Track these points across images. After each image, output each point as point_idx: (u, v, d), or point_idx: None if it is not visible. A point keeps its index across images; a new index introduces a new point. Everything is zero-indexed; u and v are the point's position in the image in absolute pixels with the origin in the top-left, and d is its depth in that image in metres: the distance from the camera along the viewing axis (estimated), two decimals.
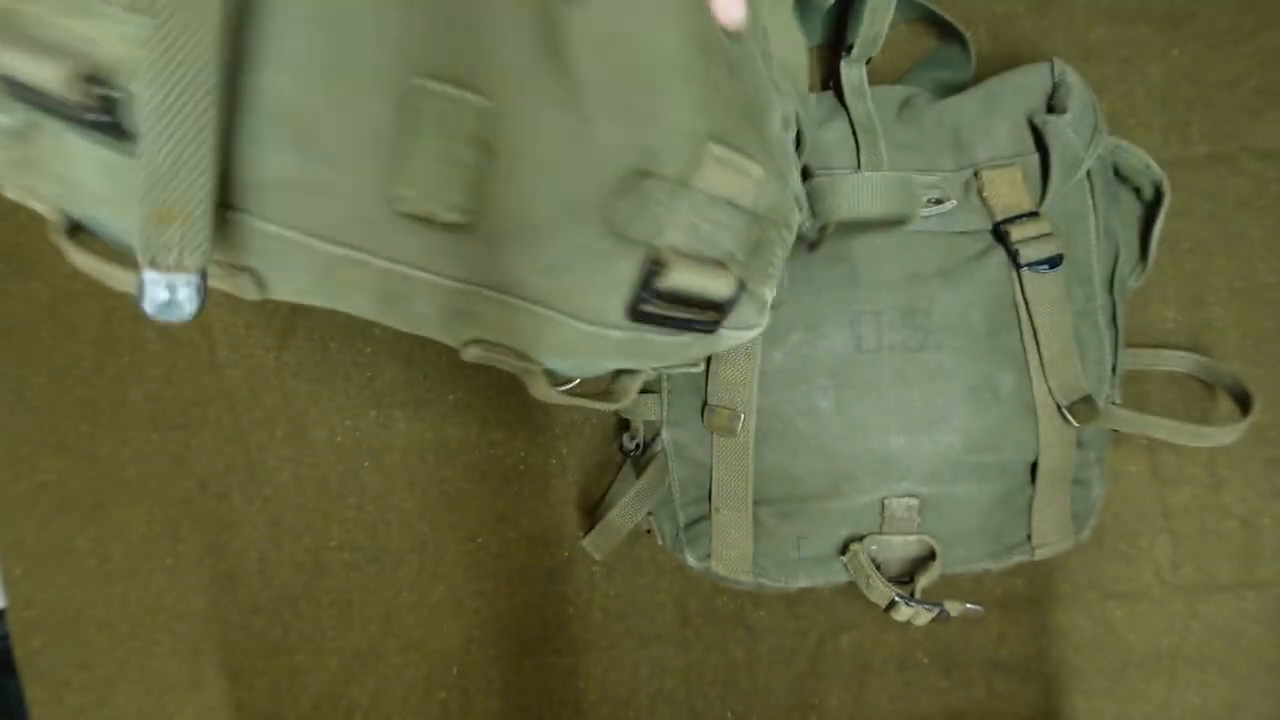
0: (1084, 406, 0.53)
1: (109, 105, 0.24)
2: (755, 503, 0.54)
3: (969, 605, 0.55)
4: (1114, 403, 0.56)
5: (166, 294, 0.25)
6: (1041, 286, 0.52)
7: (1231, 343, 0.63)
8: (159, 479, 0.64)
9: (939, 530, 0.54)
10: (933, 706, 0.64)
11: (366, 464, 0.65)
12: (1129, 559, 0.64)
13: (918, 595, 0.54)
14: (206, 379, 0.64)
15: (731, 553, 0.56)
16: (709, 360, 0.54)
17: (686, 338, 0.32)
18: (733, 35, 0.28)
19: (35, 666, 0.65)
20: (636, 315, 0.29)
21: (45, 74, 0.23)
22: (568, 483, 0.65)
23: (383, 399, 0.64)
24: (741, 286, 0.31)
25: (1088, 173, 0.54)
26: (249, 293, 0.27)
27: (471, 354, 0.30)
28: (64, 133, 0.25)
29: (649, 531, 0.62)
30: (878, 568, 0.54)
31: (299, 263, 0.25)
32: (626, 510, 0.58)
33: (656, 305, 0.28)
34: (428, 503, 0.65)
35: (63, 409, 0.64)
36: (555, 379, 0.32)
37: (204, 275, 0.25)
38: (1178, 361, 0.62)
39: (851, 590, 0.57)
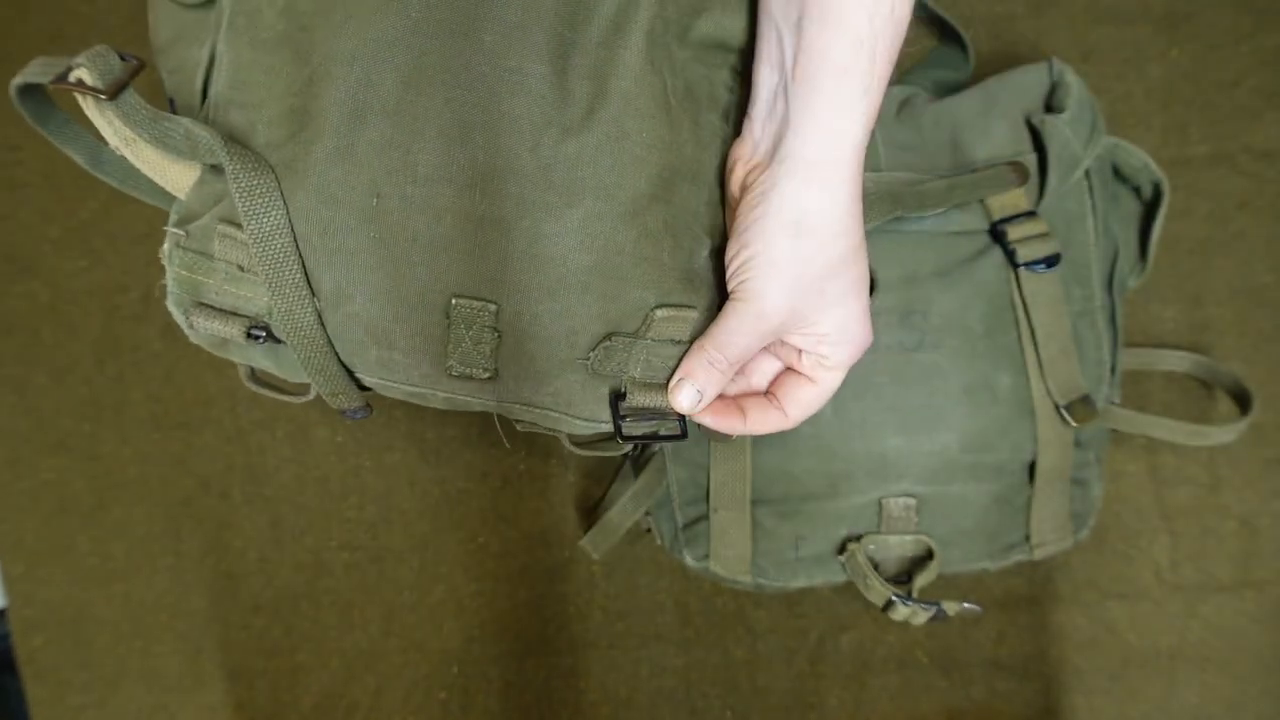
0: (1082, 406, 0.53)
1: (268, 331, 0.37)
2: (753, 503, 0.54)
3: (966, 604, 0.55)
4: (1113, 402, 0.56)
5: (351, 418, 0.42)
6: (1039, 286, 0.52)
7: (1231, 343, 0.63)
8: (159, 479, 0.65)
9: (937, 530, 0.54)
10: (933, 706, 0.64)
11: (366, 464, 0.65)
12: (1128, 559, 0.64)
13: (915, 595, 0.54)
14: (207, 379, 0.64)
15: (730, 553, 0.56)
16: None
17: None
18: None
19: (36, 665, 0.65)
20: (619, 416, 0.40)
21: (231, 330, 0.37)
22: (568, 483, 0.65)
23: (383, 399, 0.64)
24: None
25: (1086, 172, 0.54)
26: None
27: (520, 426, 0.43)
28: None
29: (648, 531, 0.62)
30: (875, 567, 0.54)
31: (394, 391, 0.39)
32: (624, 510, 0.59)
33: (629, 415, 0.40)
34: (428, 503, 0.65)
35: (64, 409, 0.64)
36: (575, 439, 0.47)
37: (367, 406, 0.42)
38: (1177, 361, 0.62)
39: (851, 590, 0.57)
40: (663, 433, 0.41)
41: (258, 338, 0.37)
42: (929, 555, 0.54)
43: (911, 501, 0.53)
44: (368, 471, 0.65)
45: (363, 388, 0.40)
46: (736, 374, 0.41)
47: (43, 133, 0.41)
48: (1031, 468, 0.54)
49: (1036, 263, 0.51)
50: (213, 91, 0.37)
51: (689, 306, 0.39)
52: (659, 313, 0.38)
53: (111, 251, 0.64)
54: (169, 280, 0.38)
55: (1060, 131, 0.51)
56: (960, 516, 0.54)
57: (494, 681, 0.65)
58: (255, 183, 0.34)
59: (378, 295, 0.35)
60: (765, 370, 0.42)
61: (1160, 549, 0.64)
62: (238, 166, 0.33)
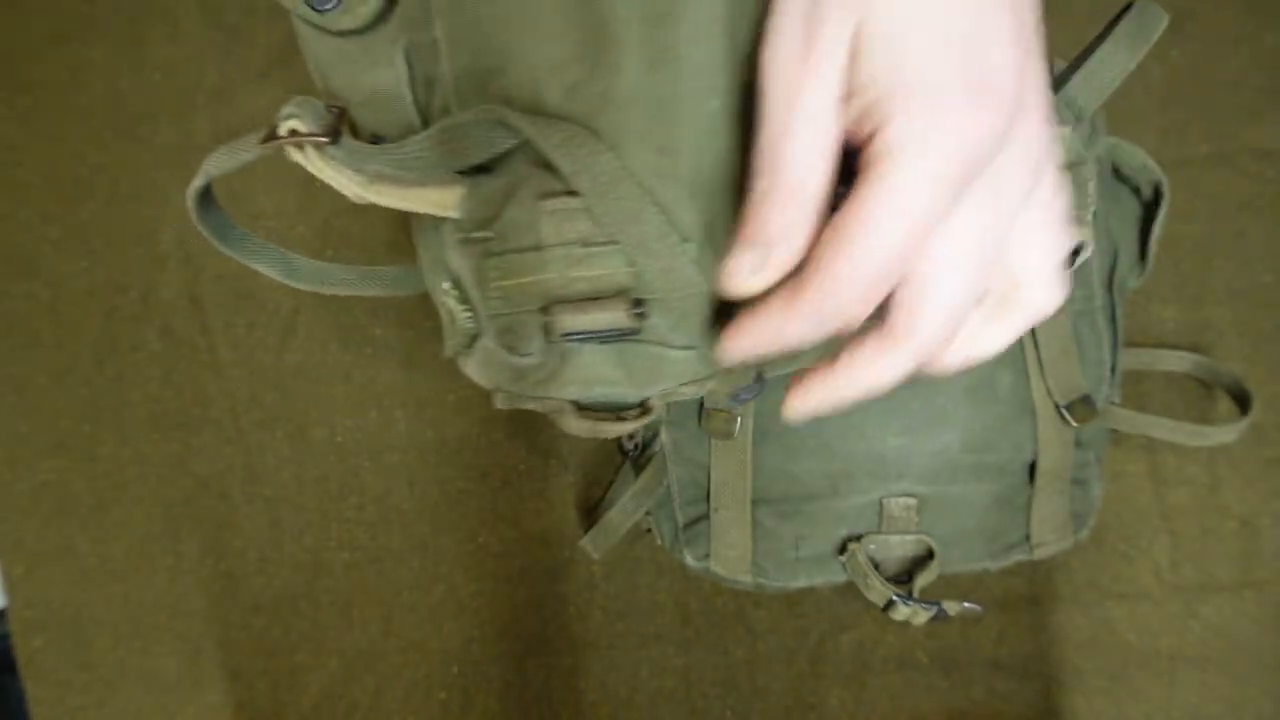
0: (1082, 406, 0.53)
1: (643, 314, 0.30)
2: (754, 503, 0.54)
3: (967, 604, 0.55)
4: (1113, 402, 0.56)
5: (743, 400, 0.35)
6: None
7: (1231, 343, 0.63)
8: (159, 479, 0.65)
9: (937, 530, 0.54)
10: (933, 706, 0.64)
11: (366, 464, 0.65)
12: (1128, 559, 0.64)
13: (915, 595, 0.54)
14: (207, 379, 0.64)
15: (730, 553, 0.56)
16: None
17: None
18: None
19: (36, 666, 0.65)
20: None
21: (613, 315, 0.29)
22: (568, 483, 0.65)
23: (383, 399, 0.64)
24: None
25: None
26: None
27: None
28: (582, 348, 0.31)
29: (648, 531, 0.62)
30: (876, 567, 0.54)
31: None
32: (624, 510, 0.59)
33: None
34: (428, 503, 0.65)
35: (63, 409, 0.64)
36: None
37: (759, 378, 0.34)
38: (1177, 361, 0.62)
39: (851, 590, 0.57)
40: None
41: (640, 315, 0.30)
42: (929, 555, 0.54)
43: (912, 501, 0.53)
44: (367, 472, 0.65)
45: None
46: None
47: (227, 251, 0.38)
48: (1032, 468, 0.54)
49: None
50: (452, 85, 0.31)
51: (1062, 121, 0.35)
52: None
53: (111, 251, 0.64)
54: (491, 299, 0.30)
55: (1060, 132, 0.51)
56: (961, 516, 0.54)
57: (494, 681, 0.65)
58: (568, 133, 0.28)
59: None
60: None
61: (1160, 549, 0.64)
62: (539, 126, 0.28)
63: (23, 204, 0.64)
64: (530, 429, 0.65)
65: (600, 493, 0.65)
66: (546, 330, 0.30)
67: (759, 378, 0.33)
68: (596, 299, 0.30)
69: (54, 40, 0.64)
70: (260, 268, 0.39)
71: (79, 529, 0.65)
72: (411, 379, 0.64)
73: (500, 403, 0.35)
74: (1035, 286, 0.27)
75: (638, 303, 0.30)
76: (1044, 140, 0.26)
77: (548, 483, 0.65)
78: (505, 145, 0.29)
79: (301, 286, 0.41)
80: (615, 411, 0.34)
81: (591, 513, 0.65)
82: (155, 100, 0.64)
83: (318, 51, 0.36)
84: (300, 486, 0.65)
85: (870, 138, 0.23)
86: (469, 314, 0.32)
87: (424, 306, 0.64)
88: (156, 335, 0.64)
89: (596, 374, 0.32)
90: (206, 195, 0.35)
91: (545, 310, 0.30)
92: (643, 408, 0.34)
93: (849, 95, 0.24)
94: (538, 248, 0.29)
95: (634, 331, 0.30)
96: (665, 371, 0.32)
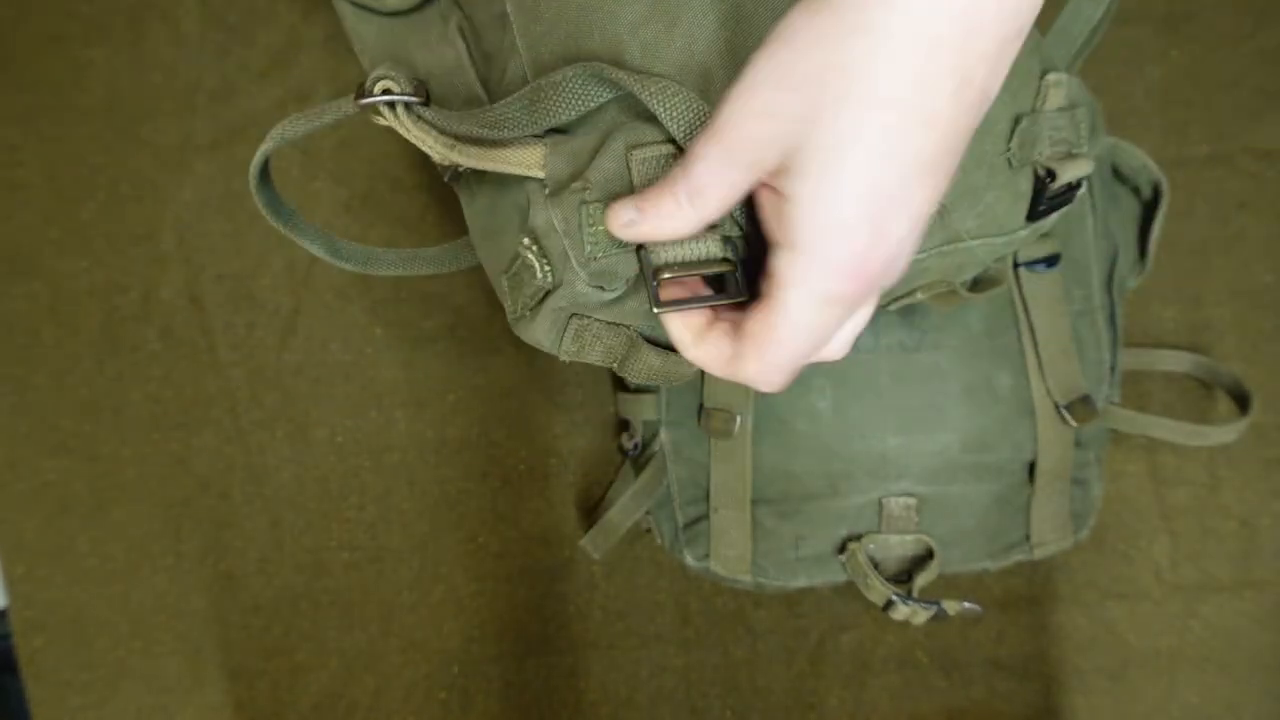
0: (1082, 406, 0.53)
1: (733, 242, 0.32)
2: (753, 503, 0.54)
3: (966, 604, 0.55)
4: (1113, 402, 0.56)
5: None
6: (1039, 286, 0.52)
7: (1231, 343, 0.63)
8: (159, 479, 0.65)
9: (937, 530, 0.54)
10: (933, 706, 0.64)
11: (366, 464, 0.65)
12: (1128, 559, 0.64)
13: (915, 594, 0.54)
14: (207, 379, 0.64)
15: (730, 553, 0.56)
16: None
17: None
18: None
19: (37, 666, 0.65)
20: (1034, 216, 0.40)
21: (709, 246, 0.31)
22: (568, 483, 0.65)
23: (383, 399, 0.64)
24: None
25: None
26: None
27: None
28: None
29: (648, 531, 0.62)
30: (876, 567, 0.54)
31: None
32: (624, 510, 0.59)
33: (1046, 203, 0.40)
34: (428, 503, 0.65)
35: (63, 409, 0.64)
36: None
37: None
38: (1177, 361, 0.62)
39: (851, 590, 0.57)
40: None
41: (731, 245, 0.32)
42: (929, 555, 0.54)
43: (912, 501, 0.53)
44: (367, 472, 0.65)
45: None
46: None
47: (278, 226, 0.39)
48: (1031, 467, 0.54)
49: (1036, 262, 0.52)
50: (527, 54, 0.34)
51: (1059, 69, 0.39)
52: (1050, 77, 0.39)
53: (111, 252, 0.64)
54: (585, 244, 0.32)
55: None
56: (961, 516, 0.54)
57: (494, 681, 0.65)
58: (662, 84, 0.30)
59: None
60: None
61: (1160, 549, 0.64)
62: (637, 79, 0.30)
63: (23, 204, 0.64)
64: (530, 429, 0.65)
65: (600, 493, 0.65)
66: (644, 267, 0.32)
67: None
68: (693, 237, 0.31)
69: (54, 40, 0.64)
70: (307, 245, 0.40)
71: (79, 529, 0.65)
72: (411, 379, 0.64)
73: (566, 352, 0.36)
74: (834, 345, 0.32)
75: (726, 238, 0.31)
76: (873, 302, 0.31)
77: (548, 483, 0.65)
78: (598, 101, 0.31)
79: (347, 268, 0.42)
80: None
81: (591, 513, 0.65)
82: (155, 100, 0.64)
83: (364, 33, 0.38)
84: (300, 486, 0.65)
85: (776, 244, 0.28)
86: (547, 268, 0.33)
87: (424, 306, 0.64)
88: (156, 335, 0.64)
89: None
90: (267, 166, 0.36)
91: (642, 248, 0.31)
92: None
93: (771, 176, 0.27)
94: (632, 193, 0.31)
95: (726, 261, 0.31)
96: None
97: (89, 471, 0.64)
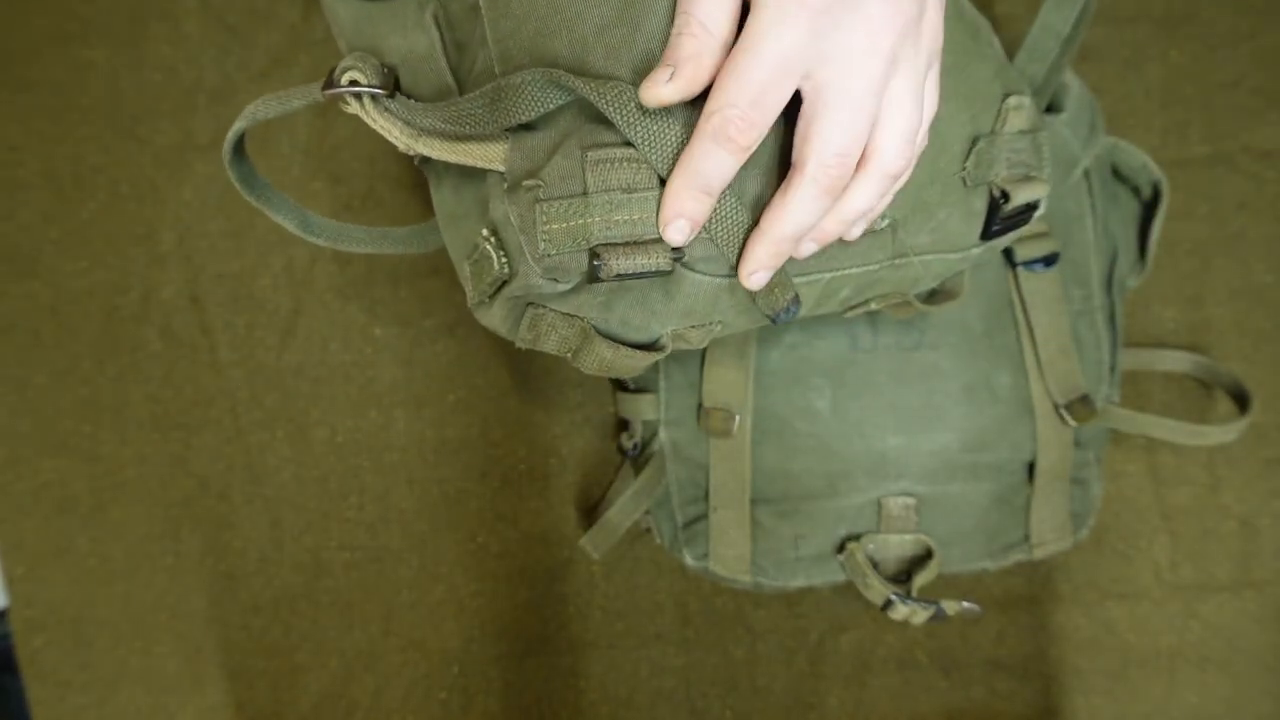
0: (1082, 406, 0.53)
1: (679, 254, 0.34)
2: (753, 502, 0.54)
3: (966, 604, 0.55)
4: (1113, 402, 0.56)
5: (785, 318, 0.37)
6: (1038, 286, 0.52)
7: (1230, 343, 0.63)
8: (159, 479, 0.65)
9: (936, 529, 0.54)
10: (933, 706, 0.64)
11: (366, 464, 0.65)
12: (1128, 559, 0.64)
13: (914, 594, 0.54)
14: (207, 379, 0.64)
15: (729, 552, 0.56)
16: (703, 361, 0.54)
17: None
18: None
19: (37, 666, 0.65)
20: (988, 235, 0.41)
21: (654, 259, 0.32)
22: (568, 483, 0.65)
23: (383, 399, 0.64)
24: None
25: (1085, 172, 0.54)
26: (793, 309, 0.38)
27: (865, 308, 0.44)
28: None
29: (648, 531, 0.62)
30: (875, 567, 0.54)
31: (808, 294, 0.38)
32: (623, 509, 0.59)
33: (1000, 223, 0.41)
34: (428, 503, 0.65)
35: (63, 409, 0.64)
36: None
37: (796, 299, 0.37)
38: (1177, 361, 0.62)
39: (851, 590, 0.57)
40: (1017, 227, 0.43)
41: (679, 258, 0.34)
42: (928, 555, 0.54)
43: (911, 501, 0.53)
44: (367, 471, 0.65)
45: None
46: None
47: (249, 198, 0.40)
48: (1031, 467, 0.54)
49: (1035, 262, 0.52)
50: (495, 49, 0.34)
51: (1024, 93, 0.40)
52: (1011, 100, 0.40)
53: (111, 251, 0.64)
54: (539, 241, 0.32)
55: (1058, 132, 0.51)
56: (960, 516, 0.54)
57: (494, 681, 0.65)
58: (618, 90, 0.31)
59: (768, 172, 0.33)
60: None
61: (1160, 549, 0.64)
62: (593, 85, 0.30)
63: (23, 204, 0.64)
64: (530, 429, 0.65)
65: (600, 493, 0.65)
66: (592, 273, 0.33)
67: (796, 299, 0.36)
68: (639, 243, 0.32)
69: (54, 40, 0.64)
70: (278, 218, 0.41)
71: (79, 529, 0.65)
72: (411, 379, 0.64)
73: (522, 339, 0.37)
74: (888, 151, 0.32)
75: (677, 250, 0.33)
76: (940, 24, 0.33)
77: (548, 483, 0.65)
78: (555, 104, 0.32)
79: (318, 242, 0.43)
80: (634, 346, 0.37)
81: (591, 513, 0.65)
82: (155, 100, 0.64)
83: (342, 16, 0.39)
84: (300, 486, 0.65)
85: None
86: (504, 260, 0.34)
87: (424, 306, 0.64)
88: (156, 335, 0.64)
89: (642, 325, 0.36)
90: (241, 140, 0.37)
91: (593, 253, 0.32)
92: (655, 346, 0.37)
93: None
94: (583, 194, 0.32)
95: (670, 272, 0.33)
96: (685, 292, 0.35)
97: (89, 471, 0.64)
